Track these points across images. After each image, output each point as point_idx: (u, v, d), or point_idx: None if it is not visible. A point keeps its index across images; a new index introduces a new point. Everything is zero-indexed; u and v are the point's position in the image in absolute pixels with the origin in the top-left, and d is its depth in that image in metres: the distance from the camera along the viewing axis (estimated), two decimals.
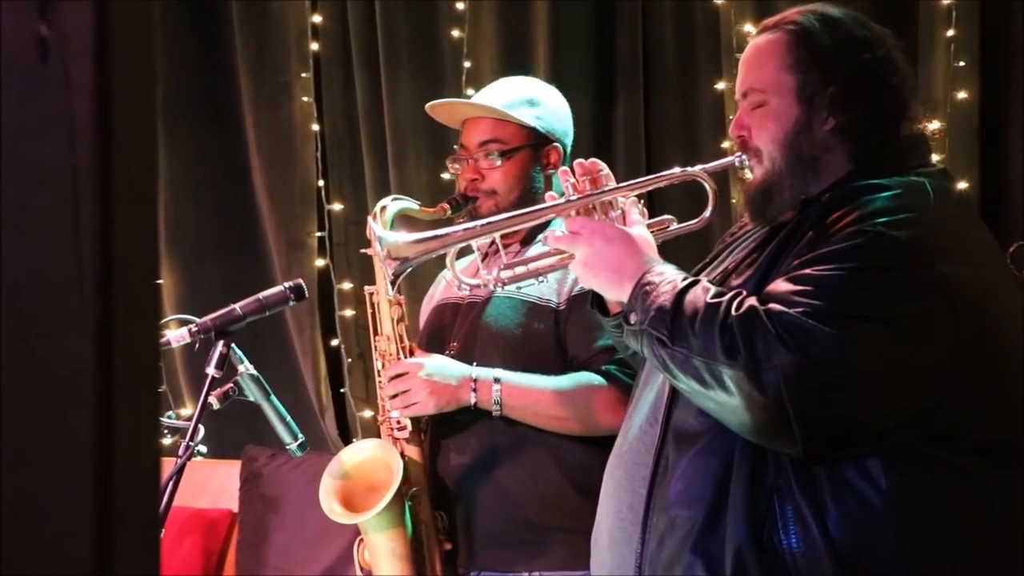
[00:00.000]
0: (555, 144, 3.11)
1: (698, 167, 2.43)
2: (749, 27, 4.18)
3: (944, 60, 4.02)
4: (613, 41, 4.53)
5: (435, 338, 3.11)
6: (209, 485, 4.75)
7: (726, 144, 4.26)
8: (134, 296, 0.98)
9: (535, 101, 3.12)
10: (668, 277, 2.19)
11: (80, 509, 0.94)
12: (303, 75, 4.89)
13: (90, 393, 0.95)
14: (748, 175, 2.39)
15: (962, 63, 4.02)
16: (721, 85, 4.32)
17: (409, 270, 2.53)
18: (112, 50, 0.97)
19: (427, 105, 3.23)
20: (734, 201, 4.18)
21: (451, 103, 3.29)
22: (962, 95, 4.01)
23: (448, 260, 2.50)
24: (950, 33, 4.02)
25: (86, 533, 0.94)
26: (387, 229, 2.90)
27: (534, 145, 3.10)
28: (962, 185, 3.91)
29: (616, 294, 2.28)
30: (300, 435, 2.82)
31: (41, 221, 0.96)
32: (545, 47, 4.55)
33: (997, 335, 2.12)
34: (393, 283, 2.55)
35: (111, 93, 0.96)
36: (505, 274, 2.46)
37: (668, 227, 2.48)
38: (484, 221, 2.49)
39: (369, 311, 3.08)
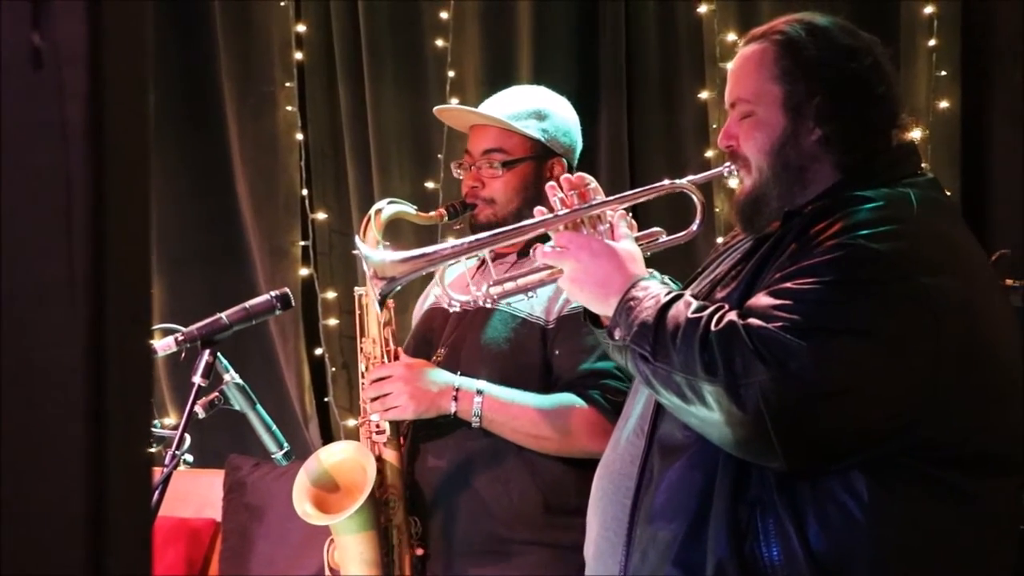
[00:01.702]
0: (560, 157, 3.11)
1: (685, 180, 2.42)
2: (732, 36, 4.20)
3: (926, 69, 4.05)
4: (596, 51, 4.54)
5: (424, 342, 3.11)
6: (192, 494, 4.73)
7: (710, 154, 4.28)
8: (126, 304, 0.99)
9: (543, 113, 3.11)
10: (652, 292, 2.19)
11: (73, 517, 0.94)
12: (287, 84, 4.89)
13: (82, 400, 0.95)
14: (734, 183, 2.39)
15: (944, 72, 4.04)
16: (705, 95, 4.34)
17: (397, 289, 2.52)
18: (105, 58, 0.97)
19: (436, 108, 3.25)
20: (718, 210, 4.20)
21: (457, 110, 3.30)
22: (944, 104, 4.03)
23: (438, 278, 2.49)
24: (932, 43, 4.04)
25: (79, 541, 0.94)
26: (380, 234, 2.90)
27: (538, 157, 3.09)
28: None
29: (603, 309, 2.27)
30: (285, 444, 2.82)
31: (34, 228, 0.96)
32: (528, 57, 4.55)
33: (982, 346, 2.11)
34: (381, 303, 2.55)
35: (104, 101, 0.97)
36: (494, 290, 2.44)
37: (657, 240, 2.46)
38: (472, 239, 2.48)
39: (357, 312, 3.07)
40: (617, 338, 2.19)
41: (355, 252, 2.91)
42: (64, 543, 0.94)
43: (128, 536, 0.98)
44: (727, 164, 2.35)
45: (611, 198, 2.40)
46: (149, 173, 1.03)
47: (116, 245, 0.97)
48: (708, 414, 2.05)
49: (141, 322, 1.02)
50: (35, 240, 0.96)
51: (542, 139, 3.08)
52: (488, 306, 2.50)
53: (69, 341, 0.95)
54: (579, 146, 3.18)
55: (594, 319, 2.39)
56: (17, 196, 0.96)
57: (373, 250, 2.60)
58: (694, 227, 2.43)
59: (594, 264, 2.26)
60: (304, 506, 2.91)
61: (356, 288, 3.11)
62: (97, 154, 0.96)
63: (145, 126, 1.02)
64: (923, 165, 2.39)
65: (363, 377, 3.02)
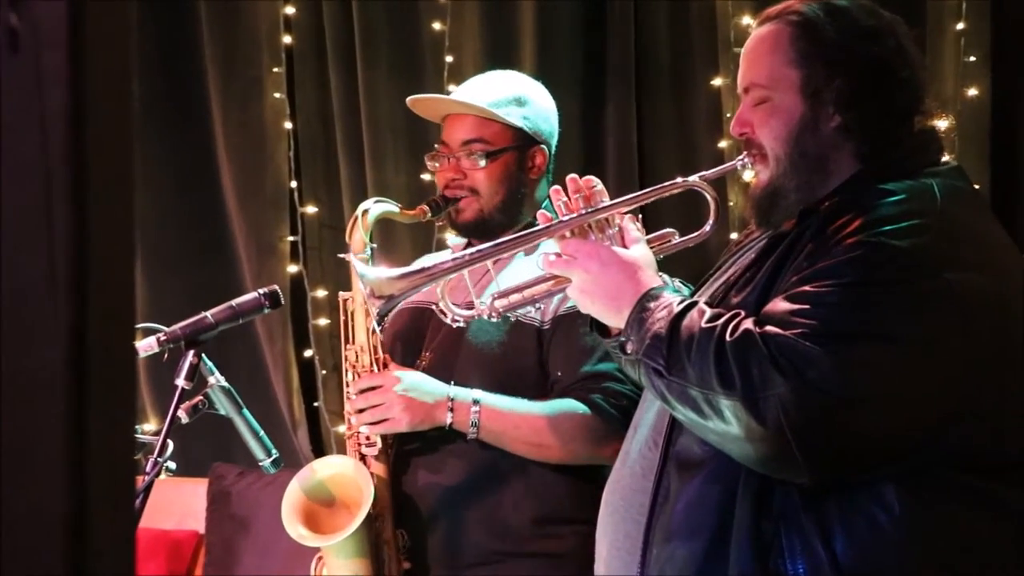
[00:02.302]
0: (541, 146, 3.12)
1: (696, 176, 2.39)
2: (748, 19, 4.19)
3: (954, 55, 4.04)
4: (604, 35, 4.54)
5: (405, 345, 3.10)
6: (174, 504, 4.73)
7: (723, 144, 4.28)
8: (109, 300, 0.99)
9: (523, 100, 3.11)
10: (664, 302, 2.18)
11: (53, 523, 0.95)
12: (275, 70, 4.89)
13: (63, 403, 0.95)
14: (748, 176, 2.39)
15: (972, 58, 4.04)
16: (718, 82, 4.33)
17: (397, 306, 2.51)
18: (86, 41, 0.97)
19: (408, 99, 3.23)
20: (732, 204, 4.19)
21: (434, 99, 3.29)
22: (972, 92, 4.03)
23: (439, 292, 2.47)
24: (960, 26, 4.04)
25: (59, 548, 0.94)
26: (368, 236, 2.90)
27: (520, 146, 3.09)
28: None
29: (614, 321, 2.27)
30: (274, 451, 2.82)
31: (11, 221, 0.96)
32: (531, 42, 4.55)
33: (1016, 346, 2.11)
34: (380, 322, 2.54)
35: (85, 87, 0.96)
36: (500, 303, 2.41)
37: (669, 242, 2.44)
38: (474, 250, 2.46)
39: (342, 319, 3.06)
40: (629, 352, 2.19)
41: (345, 259, 2.92)
42: (44, 550, 0.95)
43: (110, 544, 0.98)
44: (741, 157, 2.33)
45: (619, 200, 2.38)
46: (133, 164, 1.03)
47: (99, 240, 0.97)
48: (727, 429, 2.05)
49: (125, 321, 1.02)
50: (13, 235, 0.96)
51: (525, 127, 3.09)
52: (493, 319, 2.49)
53: (49, 341, 0.95)
54: (557, 133, 3.18)
55: (600, 329, 2.39)
56: None
57: (369, 268, 2.59)
58: (707, 227, 2.41)
59: (604, 274, 2.25)
60: (297, 528, 2.91)
61: (341, 293, 3.11)
62: (78, 144, 0.96)
63: (128, 114, 1.02)
64: (946, 156, 2.35)
65: (348, 387, 3.02)
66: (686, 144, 4.47)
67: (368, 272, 2.53)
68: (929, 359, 2.03)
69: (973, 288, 2.06)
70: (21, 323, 0.96)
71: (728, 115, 4.25)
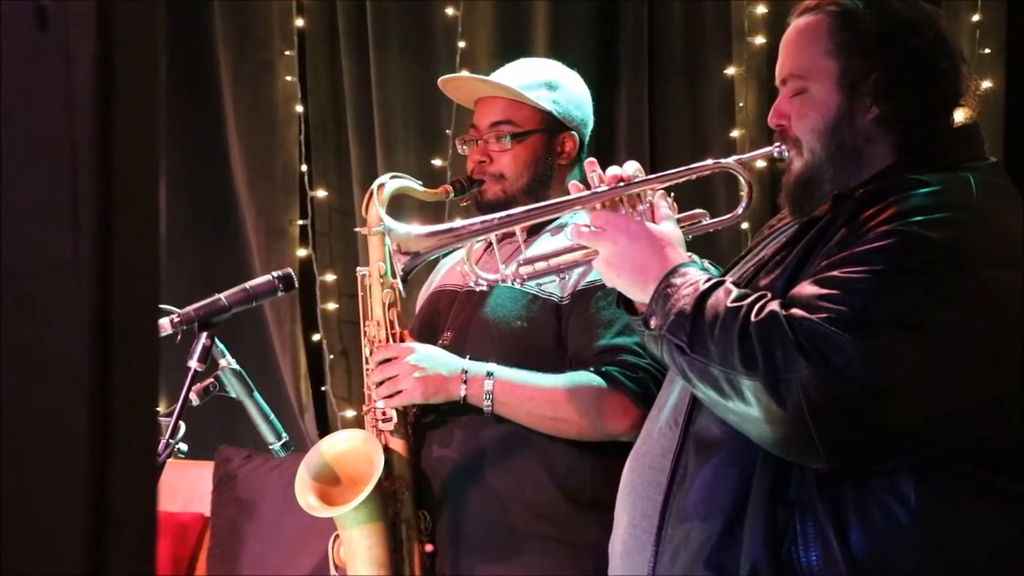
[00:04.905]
0: (571, 132, 3.11)
1: (732, 159, 2.41)
2: (762, 8, 4.18)
3: (969, 46, 4.03)
4: (617, 23, 4.53)
5: (429, 326, 3.10)
6: (179, 487, 4.73)
7: (735, 134, 4.27)
8: (135, 281, 0.98)
9: (554, 84, 3.11)
10: (691, 279, 2.18)
11: (75, 503, 0.94)
12: (286, 53, 4.88)
13: (87, 383, 0.95)
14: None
15: (988, 50, 4.03)
16: (731, 71, 4.32)
17: (421, 265, 2.52)
18: (114, 19, 0.96)
19: (440, 79, 3.24)
20: (742, 194, 4.18)
21: (464, 79, 3.29)
22: (987, 84, 4.02)
23: (465, 254, 2.49)
24: (976, 18, 4.04)
25: (81, 528, 0.94)
26: (384, 211, 2.90)
27: (549, 130, 3.09)
28: None
29: (640, 295, 2.26)
30: (284, 434, 2.82)
31: (37, 200, 0.96)
32: (544, 29, 4.54)
33: None
34: (404, 279, 2.55)
35: (113, 64, 0.96)
36: (524, 269, 2.43)
37: (700, 222, 2.46)
38: (503, 214, 2.46)
39: (360, 294, 3.06)
40: (653, 327, 2.19)
41: (361, 230, 2.92)
42: (65, 530, 0.94)
43: (132, 525, 0.98)
44: (777, 144, 2.33)
45: (652, 176, 2.39)
46: (159, 142, 1.02)
47: (124, 219, 0.96)
48: (746, 410, 2.04)
49: (149, 301, 1.01)
50: (38, 214, 0.96)
51: (554, 111, 3.09)
52: (516, 286, 2.49)
53: (73, 321, 0.95)
54: (591, 122, 3.18)
55: (628, 305, 2.38)
56: (19, 166, 0.96)
57: (398, 223, 2.60)
58: (740, 210, 2.42)
59: (631, 248, 2.25)
60: (307, 498, 2.90)
61: (358, 268, 3.11)
62: (104, 122, 0.95)
63: (155, 92, 1.02)
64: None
65: (367, 362, 3.02)
66: (699, 133, 4.46)
67: (396, 227, 2.54)
68: (955, 352, 2.03)
69: (1004, 284, 2.05)
70: (45, 303, 0.95)
71: (740, 104, 4.24)
